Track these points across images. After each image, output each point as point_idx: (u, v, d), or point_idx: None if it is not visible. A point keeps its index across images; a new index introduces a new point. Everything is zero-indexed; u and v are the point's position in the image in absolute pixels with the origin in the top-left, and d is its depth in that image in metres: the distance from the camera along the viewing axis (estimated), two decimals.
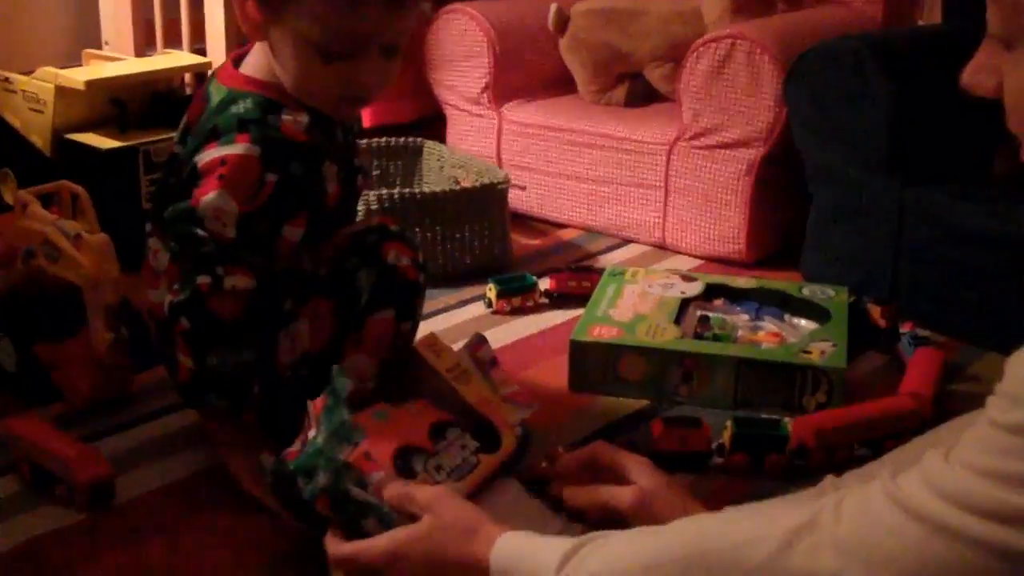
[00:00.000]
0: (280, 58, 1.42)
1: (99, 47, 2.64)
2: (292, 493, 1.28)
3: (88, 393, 1.66)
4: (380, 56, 1.40)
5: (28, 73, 2.32)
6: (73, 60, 2.56)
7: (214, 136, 1.42)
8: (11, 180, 2.33)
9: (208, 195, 1.38)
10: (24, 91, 2.30)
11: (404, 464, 1.30)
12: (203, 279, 1.38)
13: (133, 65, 2.44)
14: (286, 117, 1.43)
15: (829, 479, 1.28)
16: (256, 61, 1.47)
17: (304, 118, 1.44)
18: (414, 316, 1.60)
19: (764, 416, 1.63)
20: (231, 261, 1.38)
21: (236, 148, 1.39)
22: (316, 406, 1.30)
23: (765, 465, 1.53)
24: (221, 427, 1.50)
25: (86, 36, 2.67)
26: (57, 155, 2.28)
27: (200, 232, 1.39)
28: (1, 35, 2.58)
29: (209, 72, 1.65)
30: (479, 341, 1.51)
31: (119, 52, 2.59)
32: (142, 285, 1.55)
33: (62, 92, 2.24)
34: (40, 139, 2.29)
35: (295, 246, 1.46)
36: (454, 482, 1.30)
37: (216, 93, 1.47)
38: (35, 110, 2.29)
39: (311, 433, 1.30)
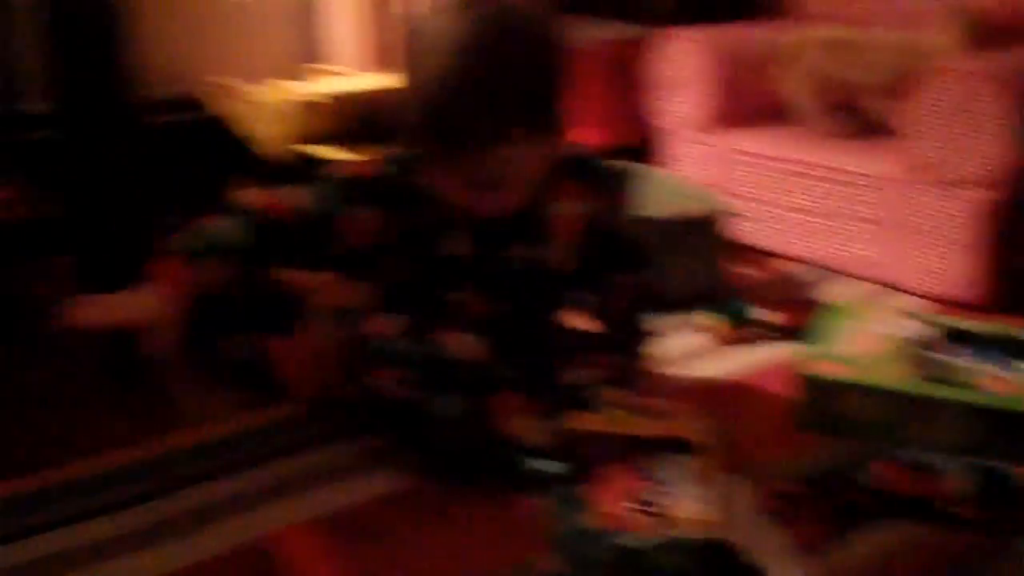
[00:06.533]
0: None
1: (314, 63, 2.70)
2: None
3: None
4: None
5: (257, 84, 2.40)
6: (287, 75, 2.65)
7: None
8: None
9: None
10: (259, 103, 2.38)
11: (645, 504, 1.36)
12: None
13: (359, 82, 2.51)
14: None
15: None
16: None
17: None
18: None
19: (996, 465, 1.57)
20: None
21: None
22: None
23: (995, 516, 1.49)
24: None
25: (303, 52, 2.75)
26: (288, 165, 2.36)
27: None
28: (227, 47, 2.67)
29: None
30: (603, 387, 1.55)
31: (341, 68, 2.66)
32: None
33: (302, 106, 2.31)
34: (273, 150, 2.37)
35: None
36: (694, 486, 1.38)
37: None
38: (271, 122, 2.36)
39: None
